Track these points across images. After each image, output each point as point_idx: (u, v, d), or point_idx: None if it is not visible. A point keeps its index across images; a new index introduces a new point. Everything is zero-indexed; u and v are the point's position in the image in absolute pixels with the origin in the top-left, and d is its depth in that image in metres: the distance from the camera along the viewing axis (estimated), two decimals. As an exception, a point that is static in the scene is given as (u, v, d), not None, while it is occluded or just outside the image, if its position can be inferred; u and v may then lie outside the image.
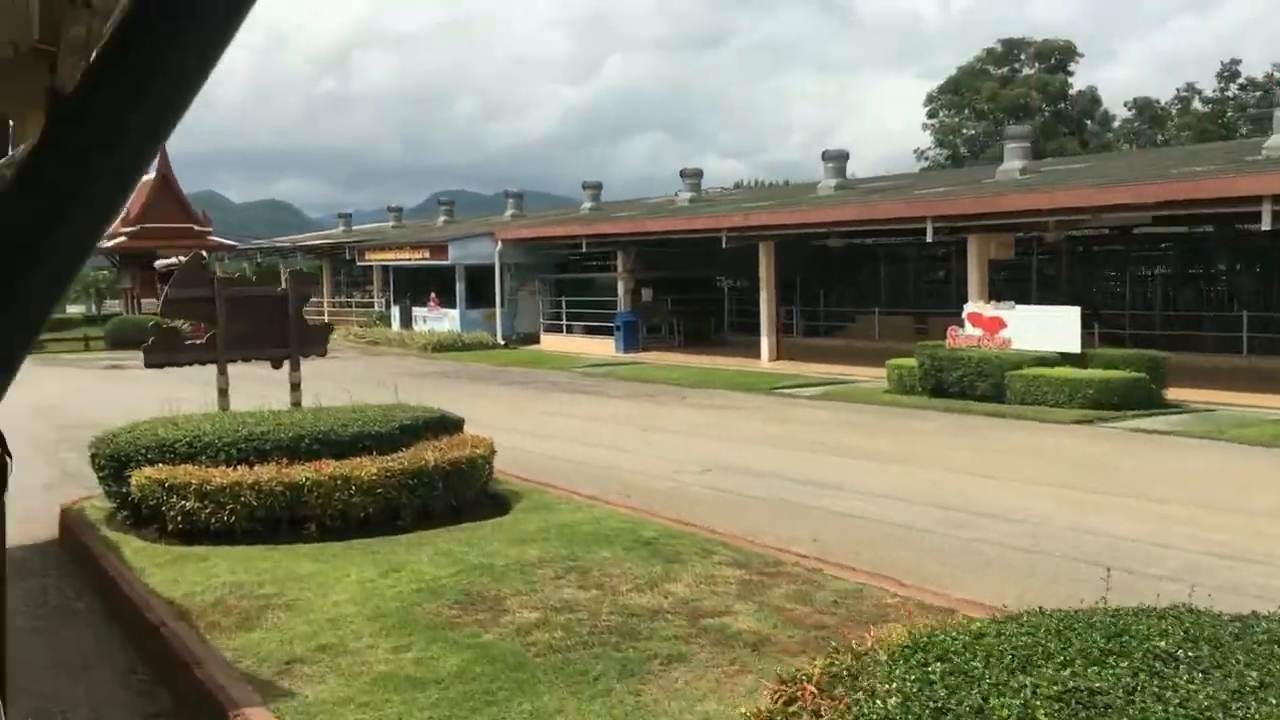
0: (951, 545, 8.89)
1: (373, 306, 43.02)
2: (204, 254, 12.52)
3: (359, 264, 42.02)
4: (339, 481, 8.50)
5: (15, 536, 9.06)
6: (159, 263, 44.59)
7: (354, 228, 54.36)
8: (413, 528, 8.67)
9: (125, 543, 8.50)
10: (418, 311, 38.49)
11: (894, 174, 44.75)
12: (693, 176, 37.24)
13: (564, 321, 34.90)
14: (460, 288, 36.06)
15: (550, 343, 34.60)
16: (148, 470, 8.70)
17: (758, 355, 28.13)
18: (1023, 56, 67.49)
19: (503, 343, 35.07)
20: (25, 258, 0.45)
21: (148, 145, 0.45)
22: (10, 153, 2.55)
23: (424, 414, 10.07)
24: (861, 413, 18.01)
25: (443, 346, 33.49)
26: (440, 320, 36.72)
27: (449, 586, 6.88)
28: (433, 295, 37.49)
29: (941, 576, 7.82)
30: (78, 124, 0.43)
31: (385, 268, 41.05)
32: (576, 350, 32.49)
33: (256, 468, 8.67)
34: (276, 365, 11.45)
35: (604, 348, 31.85)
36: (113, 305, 46.18)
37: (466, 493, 9.29)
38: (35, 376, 25.82)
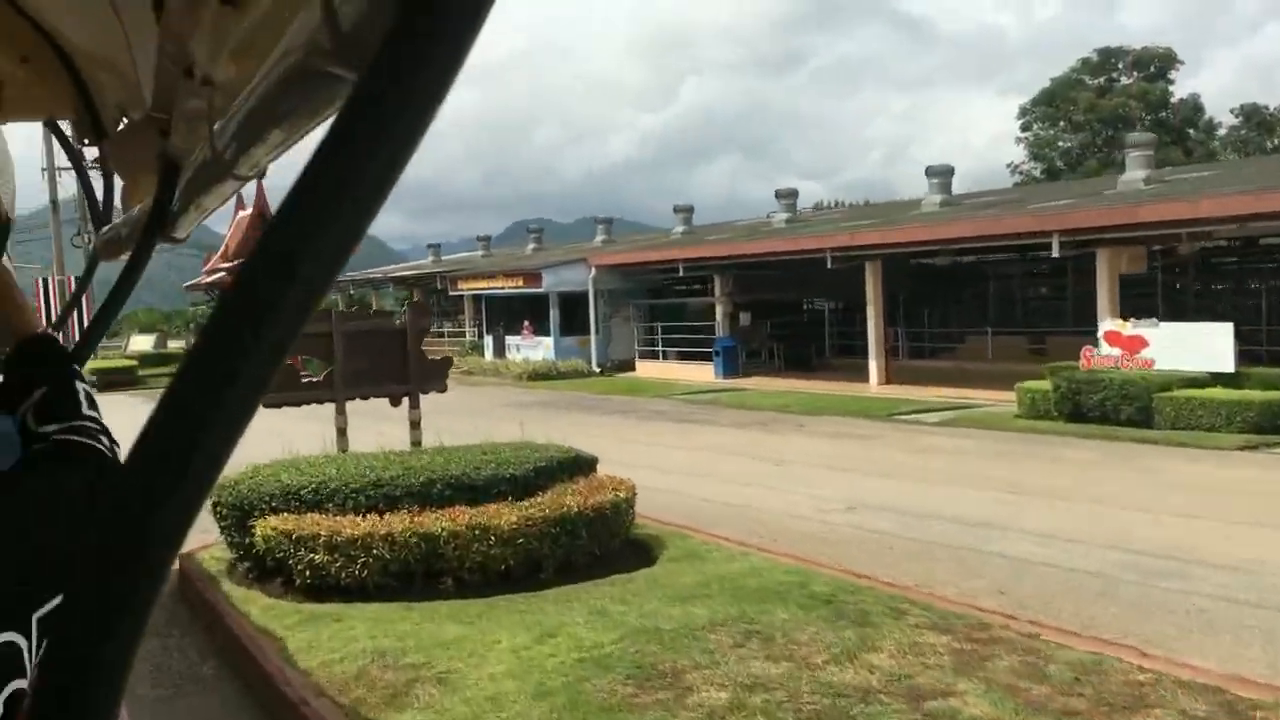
0: (1161, 599, 7.85)
1: (464, 336, 42.79)
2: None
3: (451, 293, 41.82)
4: (477, 532, 7.79)
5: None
6: None
7: (443, 258, 54.47)
8: (555, 581, 7.92)
9: (251, 599, 7.88)
10: (511, 340, 38.10)
11: (993, 189, 43.32)
12: (788, 197, 36.38)
13: (659, 348, 34.17)
14: (554, 315, 35.58)
15: (646, 369, 33.87)
16: (273, 520, 8.10)
17: (864, 379, 27.08)
18: (1120, 65, 65.37)
19: (598, 370, 34.45)
20: (261, 316, 0.42)
21: (375, 203, 0.44)
22: (124, 214, 2.57)
23: (558, 454, 9.34)
24: (997, 440, 16.88)
25: (538, 375, 32.97)
26: (534, 348, 36.26)
27: (616, 656, 6.09)
28: (526, 323, 37.07)
29: (1167, 638, 6.81)
30: (310, 194, 0.42)
31: (477, 297, 40.78)
32: (673, 377, 31.71)
33: (387, 516, 8.02)
34: (395, 402, 10.84)
35: (701, 374, 31.03)
36: (210, 339, 46.54)
37: (610, 541, 8.53)
38: (142, 413, 25.83)
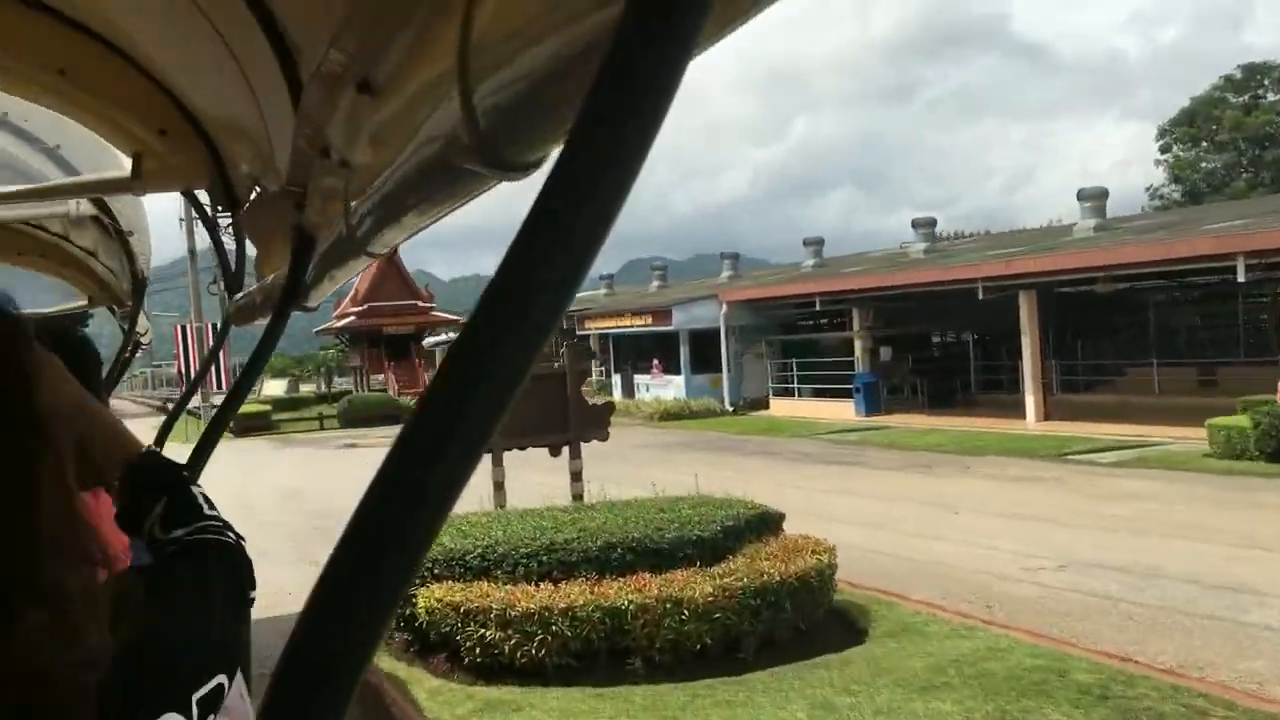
0: None
1: (591, 375, 42.23)
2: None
3: (577, 333, 41.35)
4: (668, 605, 6.83)
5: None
6: (427, 340, 45.18)
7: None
8: (758, 662, 6.91)
9: (416, 680, 7.05)
10: (639, 379, 37.33)
11: (1138, 213, 41.10)
12: (925, 226, 34.90)
13: (794, 385, 32.93)
14: (684, 353, 34.69)
15: (780, 407, 32.65)
16: (437, 589, 7.28)
17: (1018, 415, 25.44)
18: (1265, 82, 61.90)
19: (730, 409, 33.37)
20: (484, 361, 0.44)
21: (588, 254, 0.43)
22: (259, 280, 2.64)
23: (744, 510, 8.35)
24: (1195, 484, 15.23)
25: (670, 415, 32.05)
26: (664, 387, 35.39)
27: (864, 769, 5.03)
28: (655, 362, 36.26)
29: None
30: (527, 245, 0.42)
31: (604, 335, 40.18)
32: (810, 415, 30.42)
33: (563, 586, 7.12)
34: (555, 452, 10.01)
35: (840, 411, 29.69)
36: (341, 382, 47.16)
37: (814, 613, 7.48)
38: (276, 458, 25.76)
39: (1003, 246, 32.33)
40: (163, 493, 1.27)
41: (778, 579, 7.12)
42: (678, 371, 35.18)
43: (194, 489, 1.31)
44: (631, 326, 36.79)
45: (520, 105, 0.67)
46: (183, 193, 2.72)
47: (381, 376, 41.98)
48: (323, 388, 45.96)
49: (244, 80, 1.67)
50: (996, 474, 17.29)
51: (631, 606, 6.79)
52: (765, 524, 8.37)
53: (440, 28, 0.79)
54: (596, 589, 7.02)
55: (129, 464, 1.34)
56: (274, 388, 46.95)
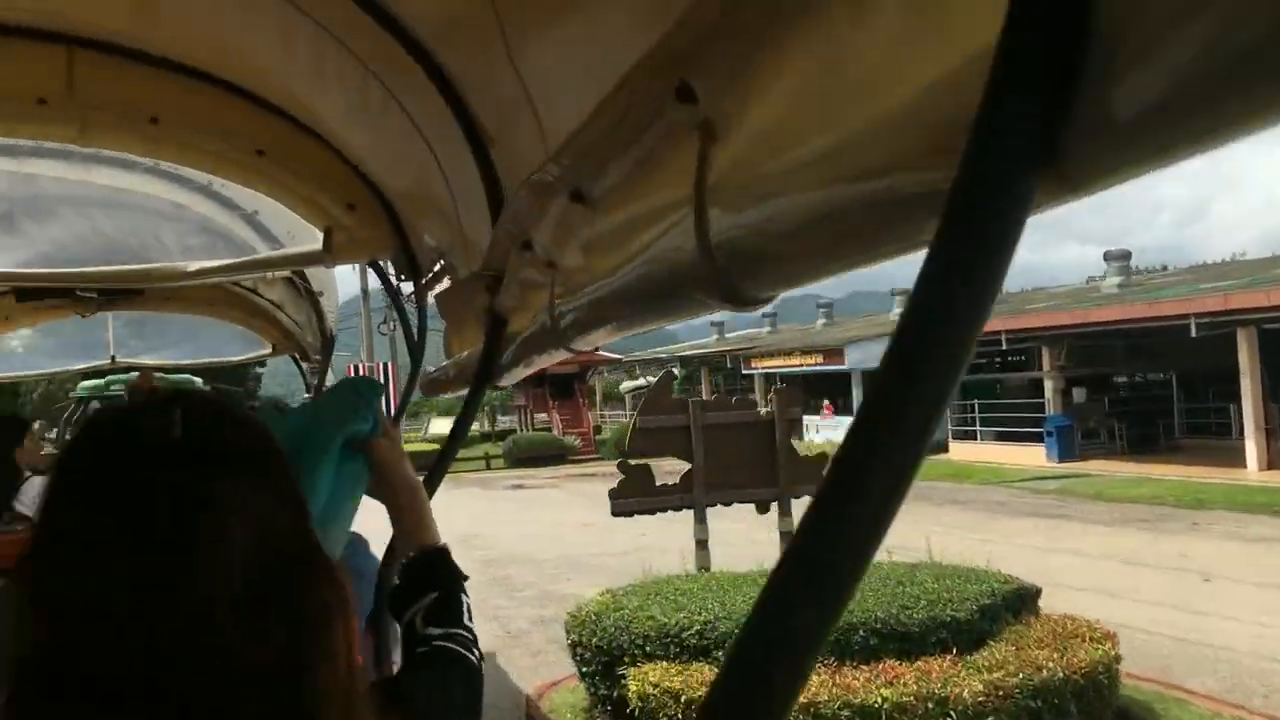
0: None
1: (800, 422, 41.04)
2: (674, 373, 10.46)
3: (743, 372, 40.29)
4: (930, 705, 5.72)
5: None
6: (624, 385, 45.06)
7: (726, 335, 53.26)
8: (1041, 777, 5.73)
9: (628, 779, 6.15)
10: (808, 420, 36.00)
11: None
12: (1119, 259, 32.65)
13: (975, 427, 31.07)
14: (857, 393, 33.26)
15: (961, 452, 30.80)
16: (651, 672, 6.34)
17: (1234, 463, 23.17)
18: None
19: (907, 452, 31.73)
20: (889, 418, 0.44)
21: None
22: (449, 356, 2.71)
23: (998, 585, 7.15)
24: None
25: (843, 458, 30.66)
26: (835, 429, 33.96)
27: None
28: (826, 403, 34.94)
29: None
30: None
31: (770, 375, 39.05)
32: (995, 460, 28.55)
33: (798, 673, 6.09)
34: (763, 509, 9.01)
35: (1028, 456, 27.75)
36: (504, 421, 47.31)
37: (1102, 715, 6.24)
38: (447, 499, 25.36)
39: (1204, 280, 29.88)
40: (436, 589, 1.32)
41: (1060, 675, 5.92)
42: (849, 412, 33.74)
43: (463, 597, 1.35)
44: (800, 366, 35.60)
45: (761, 250, 0.71)
46: (369, 264, 2.89)
47: (545, 415, 41.79)
48: (487, 426, 46.12)
49: (433, 159, 1.75)
50: (1236, 533, 15.41)
51: (886, 705, 5.71)
52: (1022, 601, 7.17)
53: (669, 159, 0.85)
54: (838, 678, 5.97)
55: (421, 551, 1.42)
56: (440, 426, 47.31)
